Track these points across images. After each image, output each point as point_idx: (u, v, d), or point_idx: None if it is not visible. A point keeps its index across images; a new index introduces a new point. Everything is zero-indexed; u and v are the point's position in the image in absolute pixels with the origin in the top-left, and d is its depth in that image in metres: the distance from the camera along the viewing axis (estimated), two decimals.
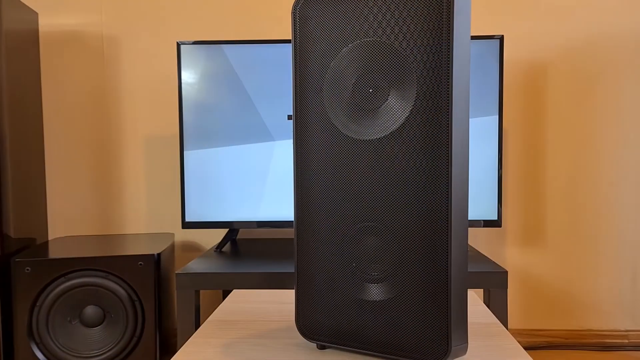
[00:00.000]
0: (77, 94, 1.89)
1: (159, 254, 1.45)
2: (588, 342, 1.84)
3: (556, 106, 1.83)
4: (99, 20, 1.88)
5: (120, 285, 1.41)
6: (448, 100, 0.59)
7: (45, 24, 1.87)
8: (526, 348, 1.78)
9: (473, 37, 1.52)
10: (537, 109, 1.84)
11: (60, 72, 1.89)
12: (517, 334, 1.84)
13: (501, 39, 1.55)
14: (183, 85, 1.61)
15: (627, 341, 1.83)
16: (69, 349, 1.42)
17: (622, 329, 1.84)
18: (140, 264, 1.42)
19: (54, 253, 1.55)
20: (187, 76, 1.61)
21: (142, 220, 1.91)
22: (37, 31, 1.83)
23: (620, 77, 1.81)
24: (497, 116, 1.56)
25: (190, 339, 0.77)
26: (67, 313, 1.42)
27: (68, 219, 1.91)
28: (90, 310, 1.42)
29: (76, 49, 1.88)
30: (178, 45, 1.60)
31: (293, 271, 0.72)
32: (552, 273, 1.86)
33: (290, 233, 1.82)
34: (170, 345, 1.58)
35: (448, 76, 0.59)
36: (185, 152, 1.61)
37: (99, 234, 1.90)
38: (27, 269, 1.40)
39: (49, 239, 1.86)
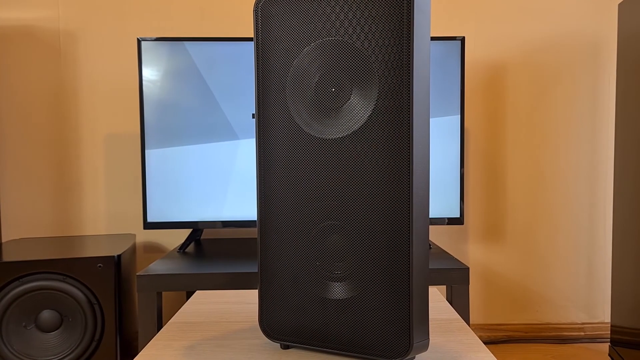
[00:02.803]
0: (32, 92, 1.83)
1: (119, 256, 1.42)
2: (546, 335, 1.90)
3: (516, 106, 1.88)
4: (56, 15, 1.82)
5: (78, 289, 1.37)
6: (409, 99, 0.60)
7: None
8: (487, 343, 1.82)
9: (435, 39, 1.54)
10: (497, 108, 1.88)
11: (13, 68, 1.82)
12: (478, 328, 1.88)
13: (462, 40, 1.58)
14: (144, 83, 1.57)
15: (583, 334, 1.90)
16: (25, 355, 1.37)
17: (579, 322, 1.91)
18: (100, 266, 1.38)
19: (8, 256, 1.50)
20: (148, 73, 1.57)
21: (101, 221, 1.86)
22: None
23: (577, 77, 1.87)
24: (459, 116, 1.59)
25: (151, 341, 0.76)
26: (22, 318, 1.37)
27: (23, 220, 1.84)
28: (46, 315, 1.38)
29: (31, 45, 1.82)
30: (138, 41, 1.57)
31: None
32: (512, 269, 1.91)
33: (255, 232, 1.81)
34: (131, 348, 1.55)
35: (409, 76, 0.59)
36: (146, 151, 1.58)
37: (56, 236, 1.84)
38: None
39: (3, 241, 1.79)
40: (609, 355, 1.68)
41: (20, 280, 1.36)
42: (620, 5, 1.61)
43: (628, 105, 1.57)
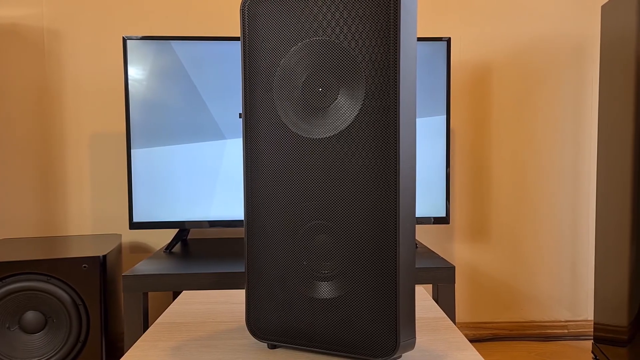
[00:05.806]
0: (16, 91, 1.80)
1: (104, 256, 1.40)
2: (531, 333, 1.92)
3: (501, 106, 1.90)
4: (40, 13, 1.79)
5: (63, 289, 1.36)
6: (396, 99, 0.60)
7: None
8: (473, 341, 1.84)
9: (421, 39, 1.55)
10: (483, 109, 1.90)
11: None
12: (464, 327, 1.90)
13: (448, 41, 1.59)
14: (130, 82, 1.56)
15: (566, 331, 1.93)
16: (8, 357, 1.35)
17: (562, 319, 1.93)
18: (85, 267, 1.37)
19: None
20: (134, 72, 1.56)
21: (87, 221, 1.84)
22: None
23: (561, 77, 1.89)
24: (445, 116, 1.60)
25: (136, 342, 0.75)
26: (5, 319, 1.35)
27: (7, 221, 1.81)
28: (30, 316, 1.36)
29: (15, 44, 1.79)
30: (124, 40, 1.56)
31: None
32: (497, 268, 1.92)
33: (242, 232, 1.80)
34: (116, 349, 1.53)
35: (395, 76, 0.60)
36: (132, 151, 1.57)
37: (41, 236, 1.82)
38: None
39: None
40: (592, 352, 1.70)
41: (4, 281, 1.34)
42: (603, 7, 1.63)
43: (611, 106, 1.60)
